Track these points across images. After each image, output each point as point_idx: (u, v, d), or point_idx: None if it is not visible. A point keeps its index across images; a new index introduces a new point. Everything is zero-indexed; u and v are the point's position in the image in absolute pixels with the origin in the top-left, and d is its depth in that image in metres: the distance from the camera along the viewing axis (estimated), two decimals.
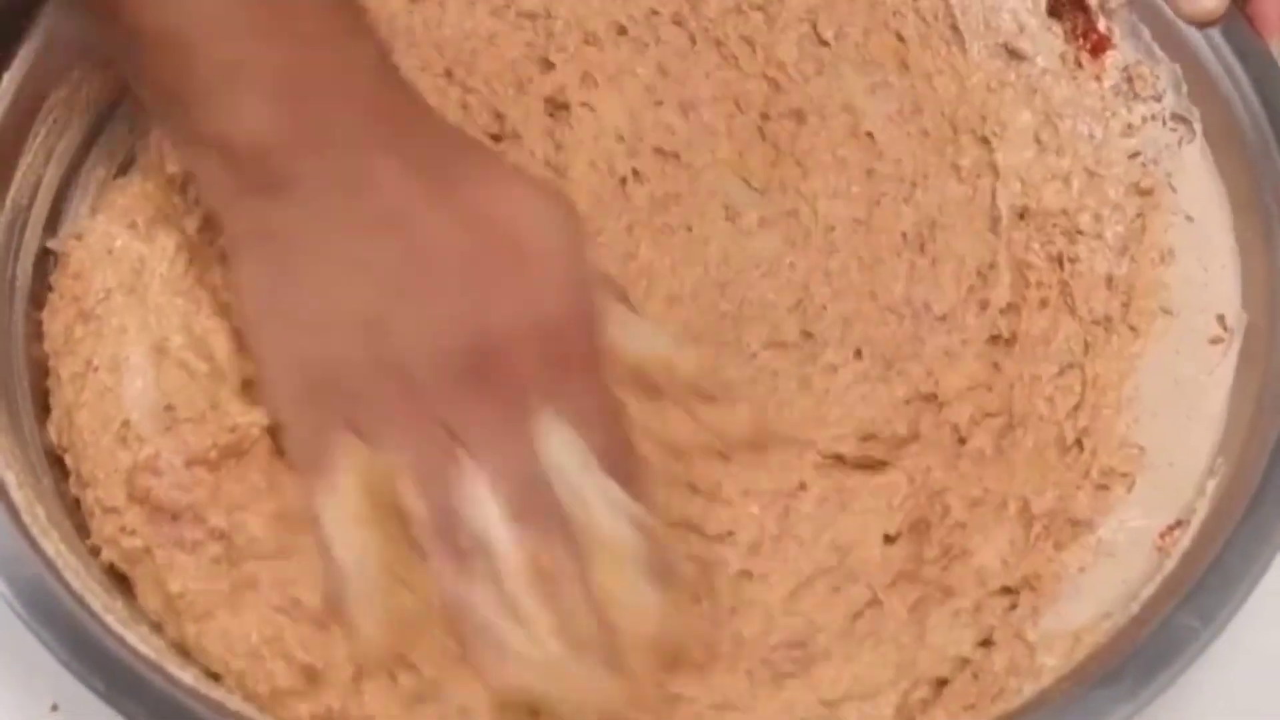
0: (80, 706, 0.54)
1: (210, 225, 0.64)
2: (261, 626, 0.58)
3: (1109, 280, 0.68)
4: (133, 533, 0.59)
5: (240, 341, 0.62)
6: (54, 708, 0.63)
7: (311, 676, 0.57)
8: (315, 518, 0.58)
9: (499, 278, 0.58)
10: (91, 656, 0.54)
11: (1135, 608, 0.59)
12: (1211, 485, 0.61)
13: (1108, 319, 0.68)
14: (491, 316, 0.58)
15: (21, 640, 0.54)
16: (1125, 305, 0.68)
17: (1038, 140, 0.71)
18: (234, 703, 0.56)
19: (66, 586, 0.56)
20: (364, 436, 0.58)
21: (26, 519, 0.57)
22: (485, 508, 0.57)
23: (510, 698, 0.57)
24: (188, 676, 0.55)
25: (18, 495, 0.58)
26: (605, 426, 0.60)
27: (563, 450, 0.58)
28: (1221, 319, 0.66)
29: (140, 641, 0.55)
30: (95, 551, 0.60)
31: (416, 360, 0.57)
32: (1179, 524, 0.61)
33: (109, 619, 0.56)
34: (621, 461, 0.60)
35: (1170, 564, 0.59)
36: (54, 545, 0.57)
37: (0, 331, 0.64)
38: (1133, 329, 0.67)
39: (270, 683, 0.57)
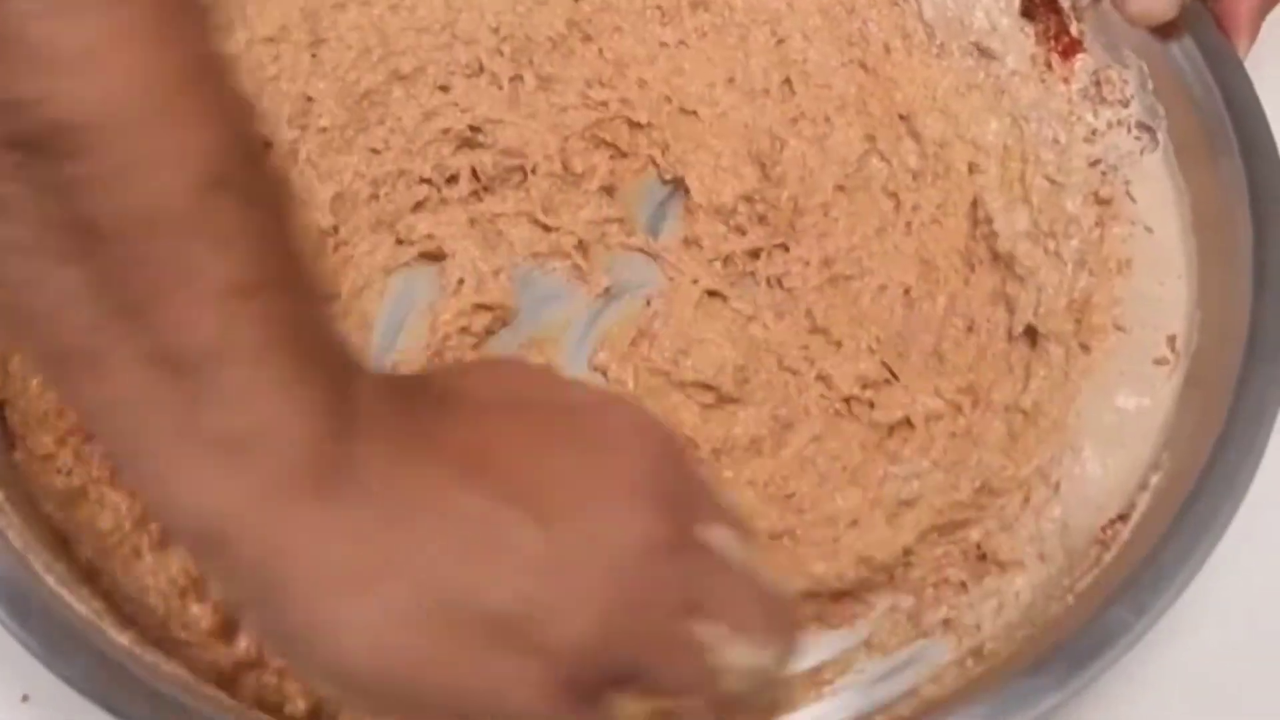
0: (51, 696, 0.54)
1: None
2: (188, 568, 0.57)
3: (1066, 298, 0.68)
4: (68, 473, 0.59)
5: None
6: (24, 698, 0.63)
7: (233, 623, 0.57)
8: None
9: (609, 457, 0.51)
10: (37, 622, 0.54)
11: (1070, 599, 0.59)
12: (1155, 480, 0.62)
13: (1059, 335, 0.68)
14: (632, 485, 0.50)
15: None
16: (1079, 321, 0.67)
17: (1004, 147, 0.71)
18: (169, 666, 0.56)
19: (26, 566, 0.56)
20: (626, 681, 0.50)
21: None
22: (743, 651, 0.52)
23: None
24: (125, 639, 0.55)
25: None
26: (749, 609, 0.53)
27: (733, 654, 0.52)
28: (1172, 340, 0.65)
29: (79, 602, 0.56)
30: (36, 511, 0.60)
31: (635, 566, 0.49)
32: (1120, 518, 0.61)
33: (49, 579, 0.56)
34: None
35: (1108, 556, 0.60)
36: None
37: None
38: (1084, 347, 0.67)
39: (195, 627, 0.57)
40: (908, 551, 0.63)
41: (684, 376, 0.68)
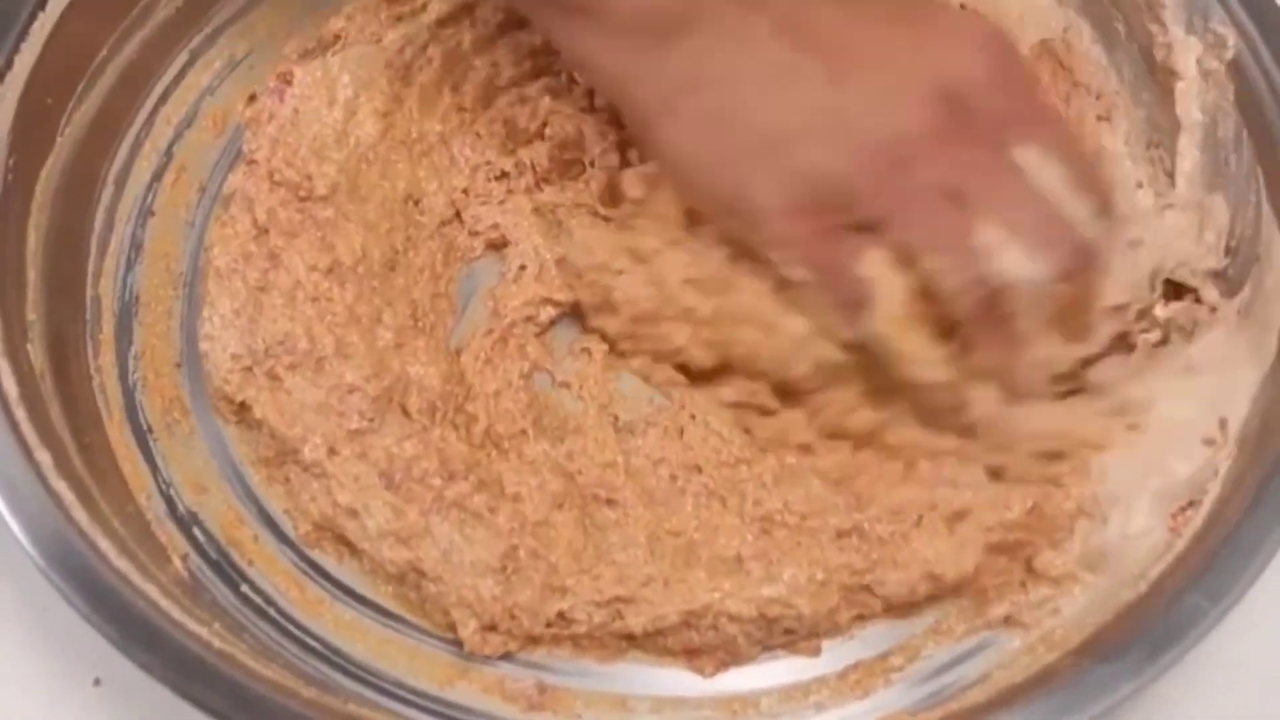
0: (122, 680, 0.54)
1: None
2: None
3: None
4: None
5: None
6: (96, 682, 0.63)
7: None
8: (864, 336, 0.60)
9: (933, 47, 0.60)
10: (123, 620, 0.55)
11: (1144, 585, 0.59)
12: (1225, 466, 0.61)
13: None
14: (943, 78, 0.59)
15: (63, 616, 0.55)
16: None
17: None
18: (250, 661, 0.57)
19: (96, 550, 0.57)
20: (877, 228, 0.58)
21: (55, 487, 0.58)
22: (1015, 257, 0.58)
23: None
24: (205, 631, 0.56)
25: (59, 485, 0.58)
26: (1074, 151, 0.61)
27: (1054, 181, 0.59)
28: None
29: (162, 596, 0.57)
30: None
31: (896, 140, 0.58)
32: (1191, 504, 0.61)
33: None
34: (1100, 188, 0.62)
35: (1181, 543, 0.59)
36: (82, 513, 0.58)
37: None
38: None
39: None
40: (978, 570, 0.62)
41: None
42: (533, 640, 0.62)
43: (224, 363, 0.65)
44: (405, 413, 0.64)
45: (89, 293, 0.67)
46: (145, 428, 0.66)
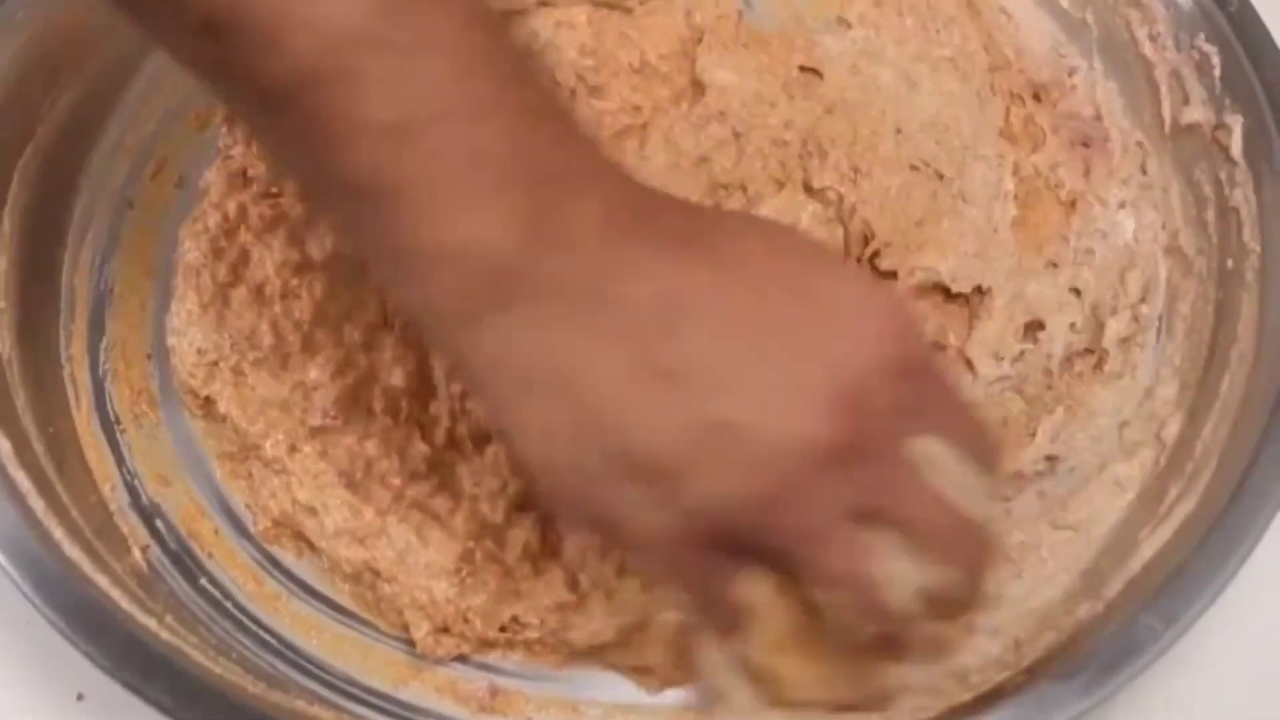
0: (106, 695, 0.54)
1: None
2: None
3: None
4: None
5: None
6: (79, 697, 0.63)
7: None
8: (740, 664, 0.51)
9: (826, 337, 0.49)
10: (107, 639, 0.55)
11: (1100, 606, 0.58)
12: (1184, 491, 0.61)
13: None
14: (842, 377, 0.48)
15: (45, 631, 0.55)
16: None
17: None
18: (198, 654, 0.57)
19: (49, 539, 0.57)
20: (763, 558, 0.49)
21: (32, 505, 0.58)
22: (924, 574, 0.49)
23: None
24: (154, 622, 0.57)
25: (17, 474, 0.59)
26: (967, 423, 0.52)
27: (948, 469, 0.50)
28: None
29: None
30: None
31: (802, 461, 0.47)
32: None
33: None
34: (988, 452, 0.53)
35: (1136, 565, 0.59)
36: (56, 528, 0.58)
37: None
38: None
39: None
40: None
41: None
42: (486, 644, 0.62)
43: (190, 357, 0.65)
44: (369, 411, 0.64)
45: (64, 282, 0.67)
46: (113, 418, 0.66)
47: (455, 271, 0.47)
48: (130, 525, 0.63)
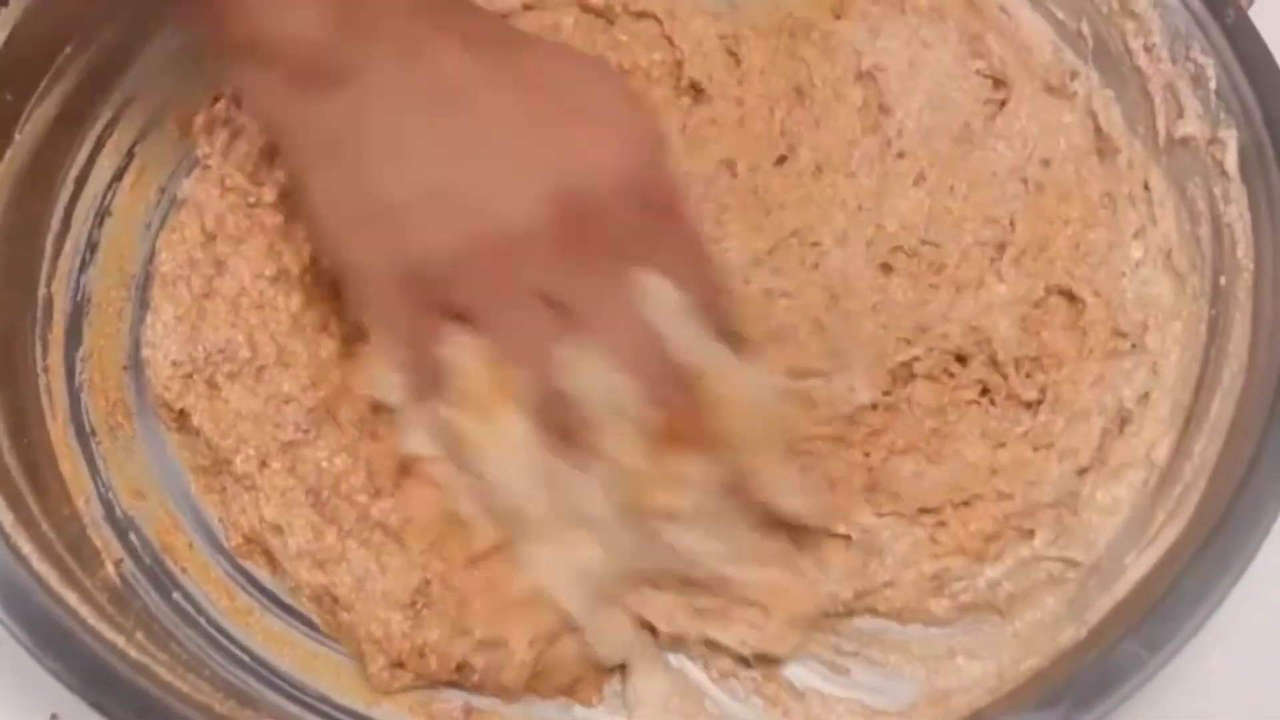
0: (80, 714, 0.54)
1: None
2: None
3: None
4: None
5: None
6: (53, 717, 0.62)
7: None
8: (437, 417, 0.58)
9: (572, 139, 0.56)
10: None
11: (1084, 631, 0.57)
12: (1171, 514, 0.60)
13: None
14: (572, 177, 0.55)
15: (18, 649, 0.54)
16: None
17: None
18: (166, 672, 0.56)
19: (17, 553, 0.57)
20: (466, 320, 0.56)
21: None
22: (605, 378, 0.55)
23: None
24: (122, 640, 0.56)
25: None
26: (703, 277, 0.59)
27: (670, 307, 0.56)
28: None
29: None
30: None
31: (505, 234, 0.55)
32: None
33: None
34: (724, 314, 0.59)
35: (1122, 590, 0.57)
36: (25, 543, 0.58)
37: None
38: None
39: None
40: None
41: None
42: (439, 683, 0.61)
43: (164, 369, 0.64)
44: (340, 425, 0.63)
45: (41, 291, 0.66)
46: (88, 430, 0.65)
47: (278, 59, 0.56)
48: (104, 539, 0.62)
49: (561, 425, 0.56)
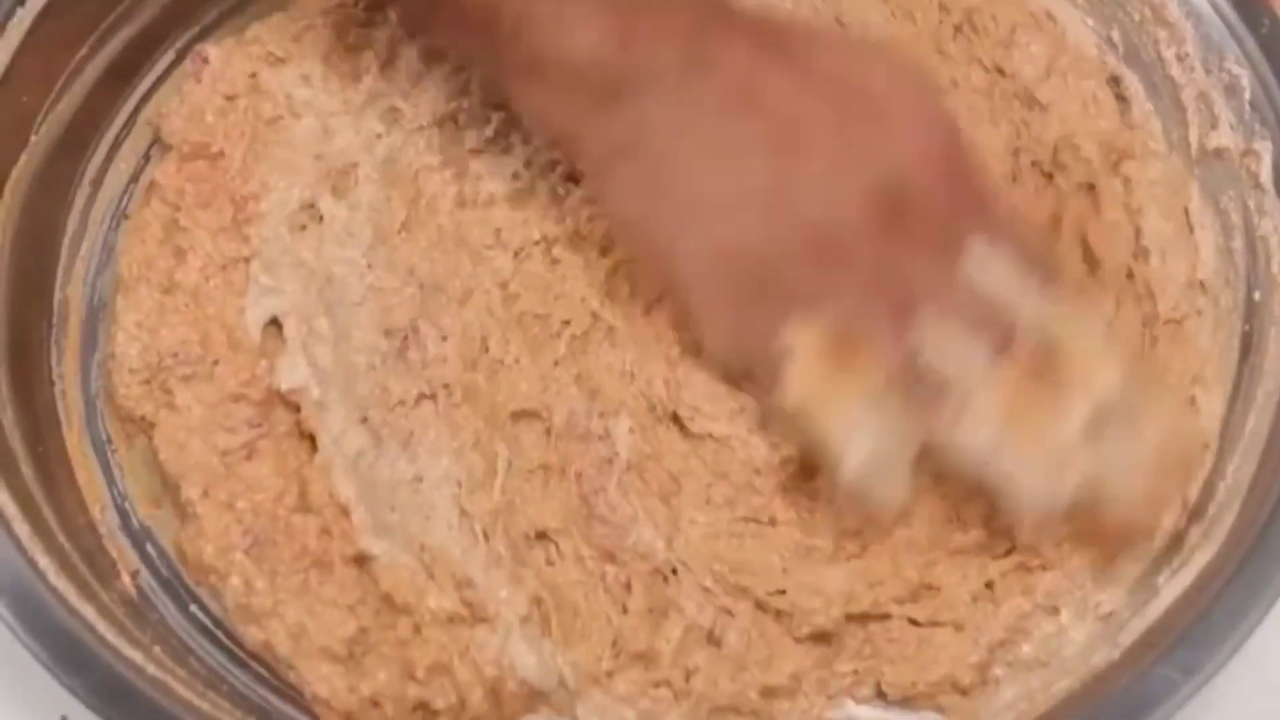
0: (89, 717, 0.53)
1: None
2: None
3: None
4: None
5: None
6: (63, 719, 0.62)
7: None
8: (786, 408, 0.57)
9: (873, 132, 0.58)
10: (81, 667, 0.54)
11: (1116, 653, 0.56)
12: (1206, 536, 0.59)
13: None
14: (883, 169, 0.57)
15: (28, 655, 0.54)
16: None
17: None
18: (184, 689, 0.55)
19: (35, 567, 0.56)
20: (808, 316, 0.57)
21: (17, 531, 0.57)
22: (962, 348, 0.56)
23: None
24: (140, 655, 0.55)
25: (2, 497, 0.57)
26: (1016, 235, 0.60)
27: (1002, 274, 0.57)
28: None
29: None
30: None
31: (832, 223, 0.57)
32: None
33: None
34: (1051, 270, 0.60)
35: (1155, 612, 0.57)
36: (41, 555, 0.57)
37: None
38: None
39: None
40: None
41: None
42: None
43: (124, 379, 0.63)
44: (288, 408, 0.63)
45: (57, 296, 0.66)
46: (104, 438, 0.64)
47: (564, 79, 0.58)
48: (120, 549, 0.62)
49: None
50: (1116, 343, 0.61)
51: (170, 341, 0.63)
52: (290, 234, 0.66)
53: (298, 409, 0.62)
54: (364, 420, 0.62)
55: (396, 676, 0.57)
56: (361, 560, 0.59)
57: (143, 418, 0.63)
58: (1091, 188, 0.67)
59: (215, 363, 0.63)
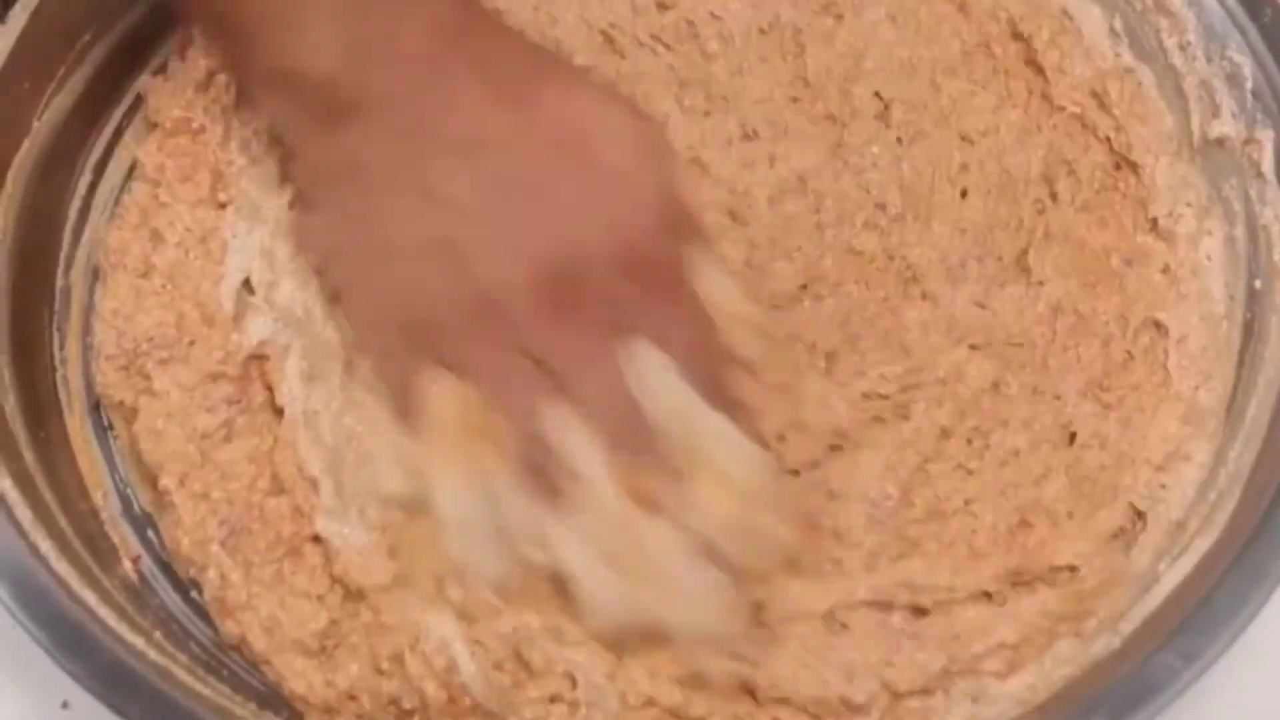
0: (91, 703, 0.53)
1: None
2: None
3: None
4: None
5: None
6: (64, 705, 0.62)
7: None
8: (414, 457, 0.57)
9: (580, 198, 0.56)
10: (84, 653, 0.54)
11: (1117, 641, 0.56)
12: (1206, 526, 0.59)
13: None
14: (573, 239, 0.55)
15: (29, 640, 0.54)
16: None
17: None
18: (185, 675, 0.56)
19: (36, 552, 0.56)
20: (453, 370, 0.56)
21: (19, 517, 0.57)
22: (577, 438, 0.55)
23: (607, 636, 0.56)
24: (142, 641, 0.55)
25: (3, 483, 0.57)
26: (700, 349, 0.57)
27: (657, 376, 0.56)
28: None
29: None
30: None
31: (499, 289, 0.55)
32: None
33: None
34: (719, 387, 0.57)
35: (1155, 599, 0.57)
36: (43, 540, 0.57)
37: None
38: None
39: None
40: None
41: None
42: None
43: (101, 367, 0.64)
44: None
45: (59, 282, 0.66)
46: (105, 423, 0.64)
47: (298, 90, 0.57)
48: (121, 534, 0.62)
49: (539, 471, 0.56)
50: (755, 464, 0.57)
51: (146, 326, 0.63)
52: (261, 189, 0.65)
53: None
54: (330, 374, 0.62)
55: (369, 670, 0.57)
56: (319, 541, 0.59)
57: (121, 403, 0.63)
58: None
59: (191, 343, 0.63)
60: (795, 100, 0.70)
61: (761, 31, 0.71)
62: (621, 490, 0.55)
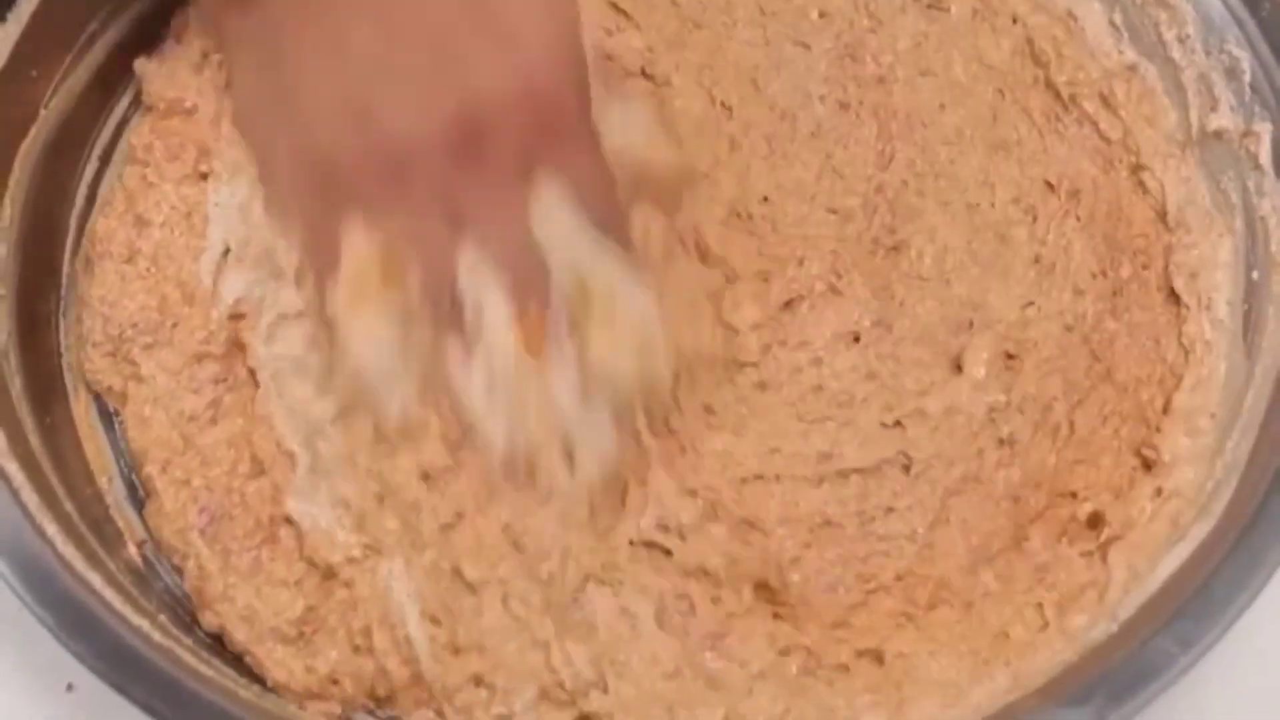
0: (96, 685, 0.53)
1: None
2: None
3: None
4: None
5: None
6: (69, 687, 0.63)
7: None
8: (326, 307, 0.59)
9: (482, 48, 0.58)
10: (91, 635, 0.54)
11: (1114, 626, 0.57)
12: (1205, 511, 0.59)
13: None
14: (476, 89, 0.57)
15: (35, 620, 0.54)
16: None
17: None
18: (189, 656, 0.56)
19: (42, 535, 0.56)
20: (366, 221, 0.58)
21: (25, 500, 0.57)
22: (483, 282, 0.58)
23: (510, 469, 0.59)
24: (146, 623, 0.56)
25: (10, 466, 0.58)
26: (601, 195, 0.60)
27: (559, 219, 0.58)
28: None
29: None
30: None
31: (407, 143, 0.57)
32: None
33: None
34: (618, 231, 0.60)
35: (1152, 585, 0.57)
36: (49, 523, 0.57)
37: None
38: None
39: None
40: None
41: None
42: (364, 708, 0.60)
43: (88, 354, 0.64)
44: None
45: (65, 269, 0.66)
46: (110, 409, 0.65)
47: None
48: (126, 518, 0.62)
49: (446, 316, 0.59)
50: (647, 314, 0.60)
51: (130, 311, 0.64)
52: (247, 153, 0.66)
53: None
54: (299, 315, 0.63)
55: (347, 651, 0.58)
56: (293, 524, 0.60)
57: (110, 389, 0.64)
58: None
59: (174, 325, 0.63)
60: None
61: None
62: (520, 337, 0.58)
